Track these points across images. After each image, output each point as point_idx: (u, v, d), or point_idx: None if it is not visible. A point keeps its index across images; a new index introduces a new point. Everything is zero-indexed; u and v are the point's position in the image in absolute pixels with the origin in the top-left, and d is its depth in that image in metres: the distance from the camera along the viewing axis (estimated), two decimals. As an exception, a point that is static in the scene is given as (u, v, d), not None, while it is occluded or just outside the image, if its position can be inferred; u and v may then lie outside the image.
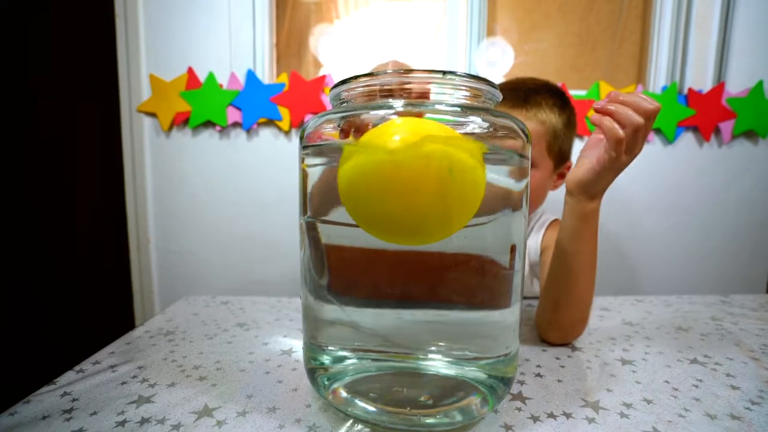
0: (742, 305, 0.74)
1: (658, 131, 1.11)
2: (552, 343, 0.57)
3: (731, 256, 1.17)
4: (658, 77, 1.14)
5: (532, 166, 0.68)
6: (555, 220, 0.77)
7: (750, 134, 1.12)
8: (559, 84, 0.94)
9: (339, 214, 0.36)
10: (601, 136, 0.47)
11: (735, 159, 1.13)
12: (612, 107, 0.45)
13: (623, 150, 0.45)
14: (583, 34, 1.21)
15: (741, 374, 0.48)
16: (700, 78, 1.11)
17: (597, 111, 0.47)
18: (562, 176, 0.74)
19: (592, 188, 0.49)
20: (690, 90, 1.08)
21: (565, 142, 0.72)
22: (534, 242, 0.75)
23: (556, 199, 0.70)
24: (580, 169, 0.50)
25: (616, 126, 0.45)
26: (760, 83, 1.08)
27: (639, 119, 0.44)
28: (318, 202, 0.38)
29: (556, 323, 0.56)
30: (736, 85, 1.09)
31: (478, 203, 0.33)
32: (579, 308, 0.54)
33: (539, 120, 0.68)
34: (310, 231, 0.38)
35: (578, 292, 0.53)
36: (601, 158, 0.47)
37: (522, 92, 0.70)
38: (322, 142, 0.36)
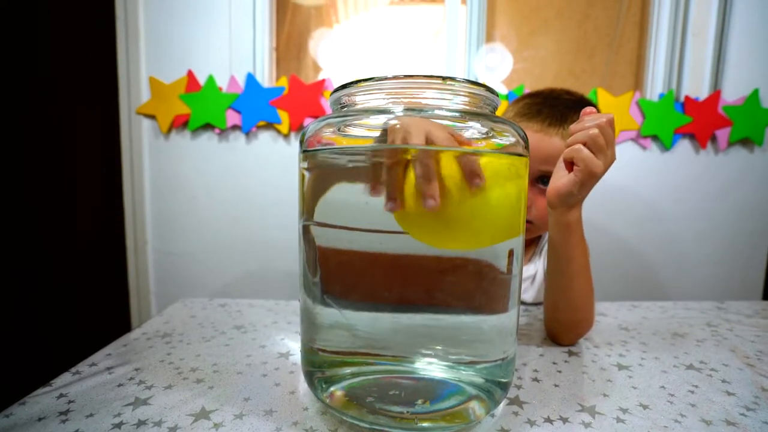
0: (737, 312, 0.74)
1: (655, 138, 1.11)
2: (559, 342, 0.59)
3: (727, 263, 1.18)
4: (655, 84, 1.15)
5: None
6: None
7: (746, 142, 1.13)
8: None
9: (335, 217, 0.36)
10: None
11: (731, 166, 1.14)
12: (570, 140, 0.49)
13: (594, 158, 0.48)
14: (580, 40, 1.22)
15: (736, 380, 0.48)
16: (696, 86, 1.12)
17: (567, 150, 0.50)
18: None
19: (572, 199, 0.50)
20: (687, 97, 1.09)
21: None
22: (542, 267, 0.75)
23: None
24: (560, 181, 0.50)
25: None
26: (756, 91, 1.09)
27: (593, 130, 0.47)
28: (313, 204, 0.38)
29: (558, 322, 0.58)
30: (732, 93, 1.10)
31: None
32: (579, 309, 0.56)
33: None
34: (309, 234, 0.38)
35: (576, 294, 0.55)
36: (576, 170, 0.48)
37: (559, 110, 0.69)
38: (321, 147, 0.37)
